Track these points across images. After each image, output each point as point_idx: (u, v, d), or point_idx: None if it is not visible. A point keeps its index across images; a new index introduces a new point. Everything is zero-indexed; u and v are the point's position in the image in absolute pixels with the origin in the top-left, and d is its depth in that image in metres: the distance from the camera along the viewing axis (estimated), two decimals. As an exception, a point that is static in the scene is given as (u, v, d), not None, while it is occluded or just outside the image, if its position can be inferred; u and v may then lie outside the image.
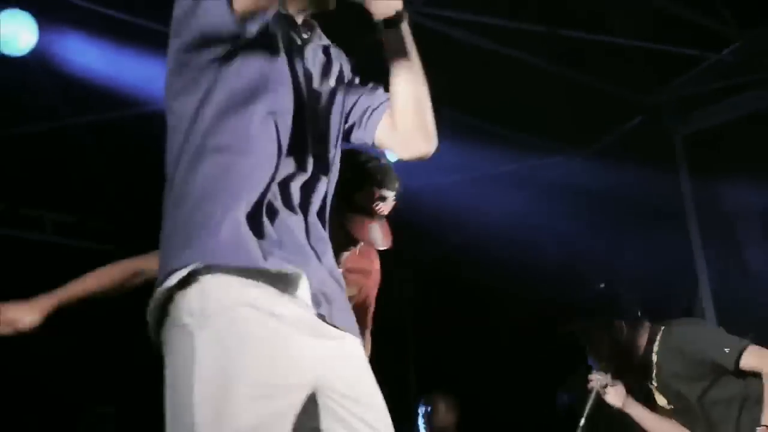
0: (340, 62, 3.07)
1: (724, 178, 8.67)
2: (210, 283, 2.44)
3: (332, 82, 2.99)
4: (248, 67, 2.66)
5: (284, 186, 2.71)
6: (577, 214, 9.24)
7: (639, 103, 8.79)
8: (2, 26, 6.40)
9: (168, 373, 2.44)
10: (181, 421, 2.33)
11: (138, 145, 7.49)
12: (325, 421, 2.53)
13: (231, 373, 2.37)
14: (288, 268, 2.50)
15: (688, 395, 5.77)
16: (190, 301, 2.42)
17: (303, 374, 2.49)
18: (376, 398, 2.65)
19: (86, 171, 8.43)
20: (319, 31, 3.00)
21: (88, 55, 6.96)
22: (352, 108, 3.02)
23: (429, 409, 8.28)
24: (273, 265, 2.49)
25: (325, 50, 3.04)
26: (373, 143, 3.04)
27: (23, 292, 7.83)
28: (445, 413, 8.15)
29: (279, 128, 2.70)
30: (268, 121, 2.68)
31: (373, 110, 2.98)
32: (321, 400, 2.53)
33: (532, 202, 9.65)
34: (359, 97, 3.02)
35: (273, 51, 2.73)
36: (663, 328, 5.94)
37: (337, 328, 2.63)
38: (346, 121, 3.01)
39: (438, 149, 3.23)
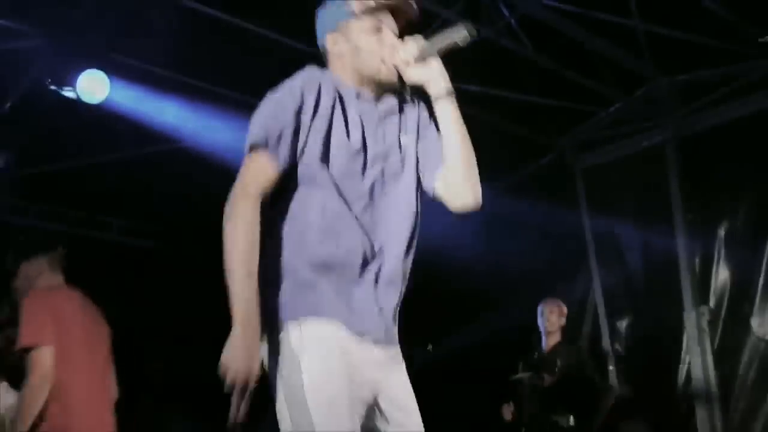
0: (416, 112, 3.16)
1: (614, 205, 9.39)
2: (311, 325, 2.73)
3: (405, 137, 3.09)
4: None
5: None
6: (494, 235, 9.26)
7: (549, 144, 9.53)
8: (84, 82, 6.91)
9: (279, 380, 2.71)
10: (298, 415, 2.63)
11: (180, 170, 8.08)
12: (379, 423, 2.85)
13: (332, 387, 2.66)
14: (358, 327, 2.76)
15: None
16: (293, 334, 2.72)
17: (367, 390, 2.79)
18: (411, 404, 2.92)
19: (144, 188, 8.63)
20: (392, 91, 3.09)
21: (146, 103, 7.43)
22: (419, 159, 3.11)
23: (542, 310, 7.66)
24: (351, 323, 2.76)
25: (400, 107, 3.12)
26: (431, 194, 3.10)
27: (96, 279, 8.43)
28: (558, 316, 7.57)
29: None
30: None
31: (433, 164, 3.07)
32: (376, 406, 2.83)
33: (456, 223, 9.54)
34: (426, 149, 3.12)
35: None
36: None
37: (388, 345, 2.90)
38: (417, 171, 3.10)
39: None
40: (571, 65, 8.07)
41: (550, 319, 7.40)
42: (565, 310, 7.37)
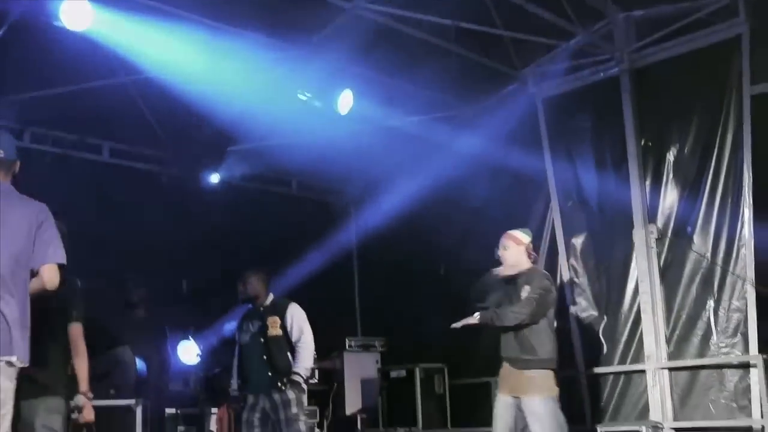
0: None
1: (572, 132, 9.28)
2: None
3: None
4: None
5: None
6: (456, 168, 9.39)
7: (513, 74, 9.38)
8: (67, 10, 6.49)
9: None
10: None
11: (170, 93, 7.81)
12: None
13: None
14: None
15: None
16: None
17: None
18: None
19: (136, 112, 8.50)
20: None
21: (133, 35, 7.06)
22: None
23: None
24: None
25: None
26: None
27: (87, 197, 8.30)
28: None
29: None
30: None
31: None
32: None
33: (420, 155, 9.64)
34: None
35: None
36: None
37: None
38: None
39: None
40: (536, 1, 7.87)
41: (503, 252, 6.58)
42: (523, 240, 6.54)
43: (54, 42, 6.96)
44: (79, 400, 4.78)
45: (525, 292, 6.19)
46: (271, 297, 6.96)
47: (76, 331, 4.82)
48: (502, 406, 6.25)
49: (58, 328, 4.68)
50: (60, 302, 4.52)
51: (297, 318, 6.81)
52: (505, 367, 6.42)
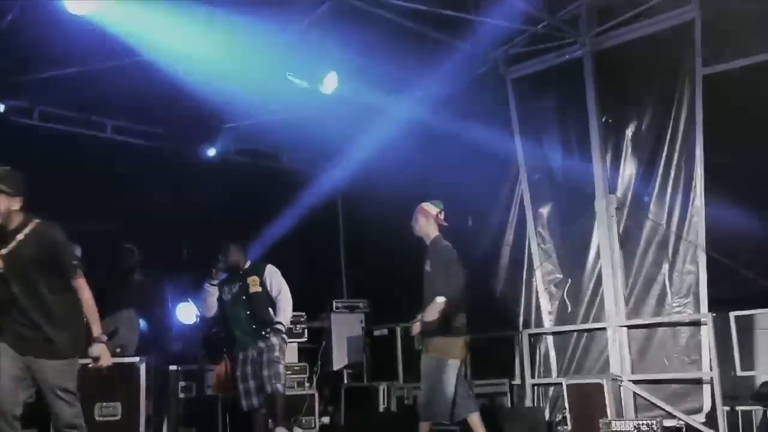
0: None
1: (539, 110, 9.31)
2: None
3: None
4: None
5: None
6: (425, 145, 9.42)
7: (486, 56, 9.36)
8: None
9: None
10: None
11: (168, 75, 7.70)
12: None
13: None
14: None
15: None
16: None
17: None
18: None
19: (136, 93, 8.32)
20: None
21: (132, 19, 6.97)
22: None
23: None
24: None
25: None
26: None
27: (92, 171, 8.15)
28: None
29: None
30: None
31: None
32: None
33: (399, 134, 9.42)
34: None
35: None
36: None
37: None
38: None
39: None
40: None
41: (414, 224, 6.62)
42: (431, 211, 6.46)
43: (60, 25, 6.85)
44: (94, 350, 4.60)
45: (427, 266, 6.28)
46: (248, 263, 7.10)
47: (80, 283, 4.62)
48: None
49: (60, 288, 4.57)
50: (59, 263, 4.52)
51: (274, 276, 6.97)
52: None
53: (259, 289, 6.87)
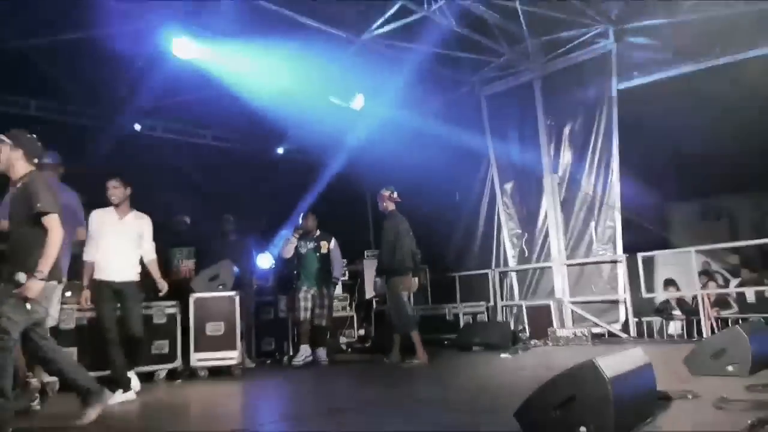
0: None
1: (504, 118, 9.15)
2: None
3: None
4: None
5: None
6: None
7: (465, 80, 9.24)
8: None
9: None
10: None
11: (243, 99, 7.51)
12: None
13: None
14: None
15: None
16: None
17: None
18: None
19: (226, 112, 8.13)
20: None
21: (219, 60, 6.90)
22: None
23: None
24: None
25: None
26: None
27: (196, 167, 7.96)
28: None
29: None
30: None
31: None
32: None
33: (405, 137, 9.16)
34: None
35: None
36: None
37: None
38: None
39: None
40: (480, 33, 7.88)
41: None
42: (385, 193, 6.67)
43: (170, 66, 6.88)
44: (20, 276, 3.45)
45: (383, 234, 6.46)
46: (318, 231, 7.13)
47: (48, 221, 3.58)
48: None
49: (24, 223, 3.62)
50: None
51: (334, 245, 7.13)
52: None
53: (326, 251, 7.04)
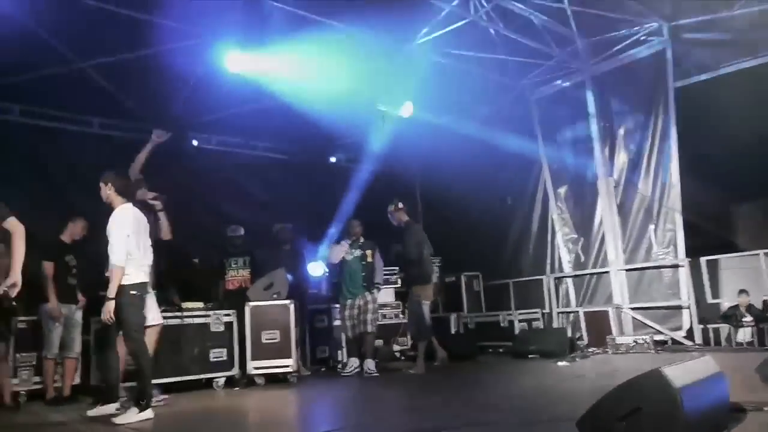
0: None
1: (555, 120, 9.01)
2: None
3: None
4: None
5: None
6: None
7: (515, 84, 9.04)
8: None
9: None
10: None
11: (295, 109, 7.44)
12: None
13: None
14: None
15: None
16: None
17: None
18: None
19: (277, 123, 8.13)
20: None
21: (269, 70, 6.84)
22: None
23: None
24: None
25: None
26: None
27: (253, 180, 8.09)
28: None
29: None
30: None
31: None
32: None
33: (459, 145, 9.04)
34: None
35: None
36: None
37: None
38: None
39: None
40: (528, 36, 7.73)
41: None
42: (399, 206, 6.88)
43: (223, 80, 6.89)
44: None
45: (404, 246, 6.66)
46: (362, 238, 7.09)
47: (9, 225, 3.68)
48: None
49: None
50: None
51: (378, 253, 7.07)
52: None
53: (371, 260, 6.97)
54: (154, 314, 4.78)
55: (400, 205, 6.84)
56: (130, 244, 4.32)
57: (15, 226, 3.69)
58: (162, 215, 5.38)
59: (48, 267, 5.46)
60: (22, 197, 6.75)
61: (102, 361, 4.65)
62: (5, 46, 5.62)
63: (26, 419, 4.68)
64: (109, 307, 4.16)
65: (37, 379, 5.65)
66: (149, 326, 4.64)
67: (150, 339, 4.62)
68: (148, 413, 4.19)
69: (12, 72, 6.48)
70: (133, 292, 4.28)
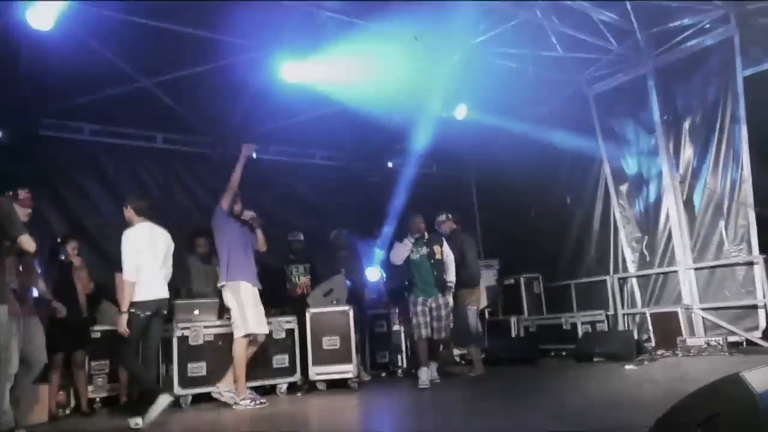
0: None
1: (616, 116, 8.68)
2: None
3: None
4: None
5: None
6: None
7: (572, 80, 8.84)
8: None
9: None
10: None
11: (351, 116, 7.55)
12: None
13: None
14: None
15: None
16: None
17: None
18: None
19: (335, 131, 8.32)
20: None
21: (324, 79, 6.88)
22: None
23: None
24: None
25: None
26: None
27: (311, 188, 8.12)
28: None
29: None
30: None
31: None
32: None
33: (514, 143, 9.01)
34: None
35: None
36: None
37: None
38: None
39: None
40: (585, 30, 7.59)
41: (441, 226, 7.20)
42: (448, 218, 7.24)
43: (281, 90, 6.98)
44: None
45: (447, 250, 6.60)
46: (426, 234, 6.62)
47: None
48: None
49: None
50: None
51: (447, 249, 6.60)
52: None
53: (440, 257, 6.46)
54: (260, 325, 5.43)
55: (448, 216, 7.09)
56: (141, 259, 4.61)
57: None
58: (258, 231, 5.70)
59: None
60: (93, 215, 7.20)
61: (132, 372, 4.87)
62: (74, 68, 5.92)
63: (103, 424, 4.87)
64: (122, 320, 4.52)
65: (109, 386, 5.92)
66: (254, 334, 5.34)
67: (251, 348, 5.35)
68: (163, 399, 4.41)
69: (80, 93, 6.79)
70: (132, 310, 4.56)
